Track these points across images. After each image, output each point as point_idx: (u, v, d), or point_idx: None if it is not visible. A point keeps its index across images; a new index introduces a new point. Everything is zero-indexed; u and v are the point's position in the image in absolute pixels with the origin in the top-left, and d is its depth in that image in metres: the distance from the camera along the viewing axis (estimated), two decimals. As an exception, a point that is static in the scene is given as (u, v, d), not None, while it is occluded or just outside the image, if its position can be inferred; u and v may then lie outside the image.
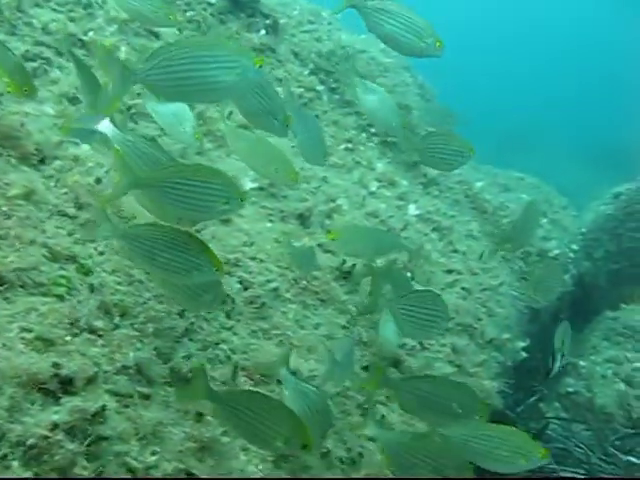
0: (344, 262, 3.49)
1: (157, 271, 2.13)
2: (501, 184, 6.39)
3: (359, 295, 3.51)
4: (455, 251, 4.32)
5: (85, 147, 2.71)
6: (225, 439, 2.32)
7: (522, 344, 4.67)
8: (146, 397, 2.17)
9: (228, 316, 2.80)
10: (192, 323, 2.56)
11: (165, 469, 2.00)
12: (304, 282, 3.29)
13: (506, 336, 4.30)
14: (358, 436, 2.87)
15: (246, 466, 2.38)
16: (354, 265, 3.53)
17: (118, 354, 2.15)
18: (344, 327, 3.28)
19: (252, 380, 2.69)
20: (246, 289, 2.96)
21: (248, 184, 3.56)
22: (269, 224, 3.39)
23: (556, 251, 5.79)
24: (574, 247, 6.54)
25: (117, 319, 2.27)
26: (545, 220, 6.04)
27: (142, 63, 2.03)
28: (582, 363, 5.93)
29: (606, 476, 4.53)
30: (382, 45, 6.07)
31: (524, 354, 4.67)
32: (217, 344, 2.65)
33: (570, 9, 22.82)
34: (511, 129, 11.74)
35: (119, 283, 2.38)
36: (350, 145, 4.84)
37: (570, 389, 5.70)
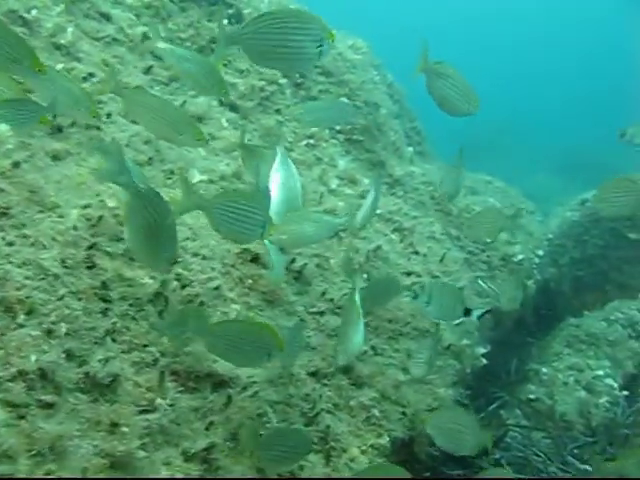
0: (294, 261, 3.21)
1: None
2: (468, 187, 6.15)
3: (309, 296, 3.23)
4: (415, 253, 4.05)
5: (3, 127, 2.40)
6: (142, 453, 2.03)
7: (482, 350, 4.43)
8: (49, 406, 1.88)
9: (160, 316, 2.50)
10: (115, 323, 2.26)
11: (61, 490, 1.70)
12: (250, 281, 3.01)
13: (465, 342, 4.05)
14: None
15: (168, 482, 2.10)
16: (305, 264, 3.25)
17: (16, 358, 1.85)
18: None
19: (183, 387, 2.40)
20: (184, 287, 2.67)
21: (197, 176, 3.27)
22: (215, 218, 3.09)
23: (520, 256, 5.56)
24: (539, 252, 6.33)
25: (21, 318, 1.97)
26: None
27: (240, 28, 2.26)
28: (544, 370, 5.72)
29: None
30: (350, 42, 5.85)
31: (484, 361, 4.44)
32: (145, 346, 2.36)
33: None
34: (479, 134, 11.55)
35: (28, 277, 2.08)
36: (312, 141, 4.55)
37: (532, 396, 5.49)
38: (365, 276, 3.57)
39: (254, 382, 2.61)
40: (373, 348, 3.24)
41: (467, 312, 2.97)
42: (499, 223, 3.73)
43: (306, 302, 3.19)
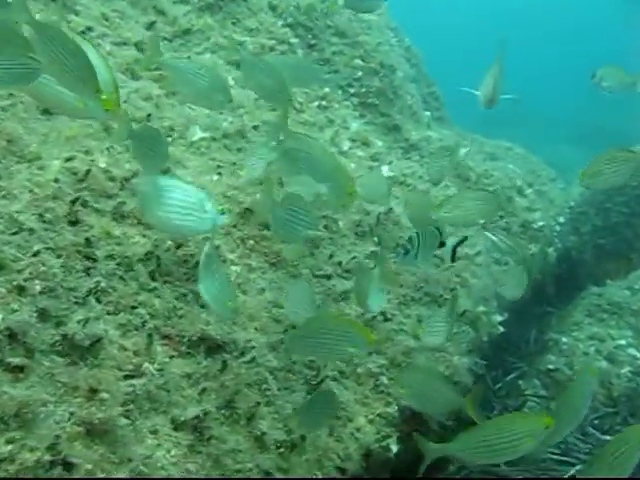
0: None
1: None
2: (487, 152, 5.86)
3: (315, 259, 3.01)
4: (430, 217, 3.80)
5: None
6: (124, 420, 1.84)
7: (499, 318, 4.18)
8: (18, 370, 1.69)
9: (152, 276, 2.30)
10: (98, 282, 2.06)
11: (25, 459, 1.51)
12: (251, 242, 2.79)
13: (481, 309, 3.80)
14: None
15: (154, 451, 1.91)
16: (311, 226, 3.03)
17: (-22, 316, 1.65)
18: (295, 293, 2.78)
19: (175, 351, 2.20)
20: (179, 247, 2.46)
21: (198, 133, 3.05)
22: (216, 177, 2.88)
23: (540, 223, 5.28)
24: (561, 220, 6.03)
25: (-11, 274, 1.78)
26: (530, 190, 5.52)
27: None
28: (564, 339, 5.46)
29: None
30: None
31: (501, 329, 4.19)
32: (133, 308, 2.17)
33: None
34: (500, 105, 11.15)
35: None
36: (324, 103, 4.30)
37: (551, 366, 5.24)
38: (375, 239, 3.34)
39: (252, 347, 2.40)
40: (382, 314, 3.01)
41: (442, 244, 2.72)
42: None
43: (312, 265, 2.97)
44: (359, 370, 2.76)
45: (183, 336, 2.24)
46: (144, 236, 2.38)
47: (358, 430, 2.60)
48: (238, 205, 2.85)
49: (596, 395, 5.00)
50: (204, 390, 2.16)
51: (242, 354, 2.35)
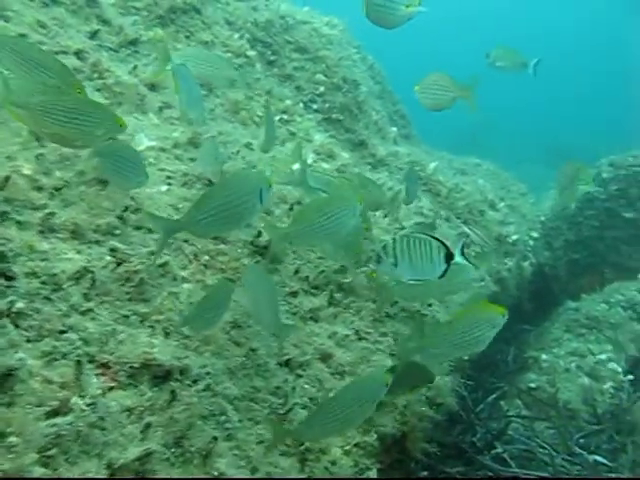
0: (259, 235, 2.63)
1: None
2: (457, 168, 5.60)
3: (279, 275, 2.66)
4: (402, 228, 3.48)
5: None
6: (40, 470, 1.45)
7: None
8: None
9: (86, 297, 1.92)
10: (12, 302, 1.68)
11: None
12: (206, 257, 2.43)
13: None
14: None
15: None
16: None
17: None
18: (256, 313, 2.42)
19: (114, 381, 1.82)
20: (120, 263, 2.09)
21: (144, 142, 2.70)
22: (164, 188, 2.52)
23: (514, 237, 5.00)
24: (534, 235, 5.77)
25: None
26: (502, 205, 5.25)
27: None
28: (544, 357, 5.15)
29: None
30: (326, 19, 5.30)
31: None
32: (62, 332, 1.78)
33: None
34: (469, 126, 11.03)
35: None
36: (285, 116, 4.00)
37: (532, 384, 4.93)
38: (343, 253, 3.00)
39: (208, 373, 2.03)
40: (356, 332, 2.66)
41: (449, 257, 2.27)
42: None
43: (276, 281, 2.62)
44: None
45: (123, 364, 1.86)
46: (78, 252, 2.02)
47: (333, 464, 2.23)
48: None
49: (580, 413, 4.70)
50: (148, 426, 1.78)
51: (195, 382, 1.97)
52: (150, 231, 2.29)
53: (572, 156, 10.37)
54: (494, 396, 4.56)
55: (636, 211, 6.17)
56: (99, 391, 1.71)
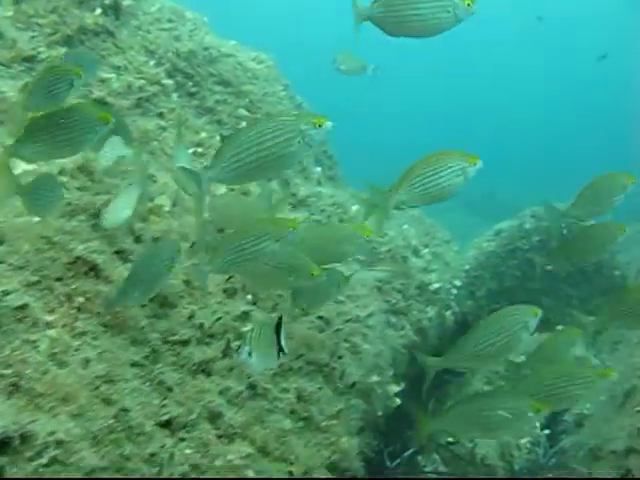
0: (147, 274, 2.29)
1: None
2: (381, 213, 5.38)
3: (169, 320, 2.31)
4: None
5: None
6: None
7: (396, 388, 3.58)
8: None
9: None
10: None
11: None
12: (80, 300, 2.07)
13: (375, 379, 3.19)
14: None
15: None
16: (165, 280, 2.34)
17: None
18: (136, 365, 2.07)
19: None
20: (-37, 304, 1.71)
21: (21, 166, 2.34)
22: (37, 218, 2.17)
23: (437, 285, 4.79)
24: (457, 283, 5.58)
25: None
26: (426, 251, 5.05)
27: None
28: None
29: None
30: (254, 54, 5.07)
31: (398, 400, 3.59)
32: None
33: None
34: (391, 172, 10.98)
35: None
36: (200, 149, 3.70)
37: (450, 439, 4.67)
38: (249, 297, 2.69)
39: (59, 441, 1.66)
40: (252, 387, 2.33)
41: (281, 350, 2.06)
42: None
43: (165, 328, 2.27)
44: (217, 462, 2.04)
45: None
46: None
47: None
48: (66, 254, 2.14)
49: (497, 469, 4.49)
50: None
51: (39, 454, 1.59)
52: (12, 266, 1.93)
53: (496, 205, 10.44)
54: (411, 451, 4.28)
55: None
56: None
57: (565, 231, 4.71)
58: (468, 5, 2.14)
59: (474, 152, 2.41)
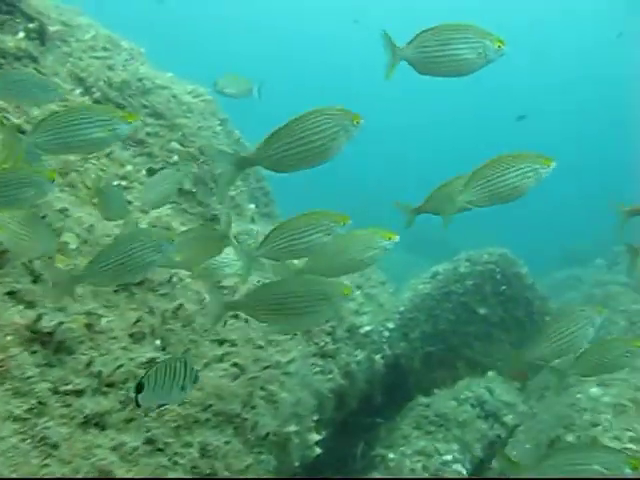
0: (40, 318, 2.11)
1: None
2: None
3: (63, 368, 2.13)
4: (235, 317, 3.05)
5: None
6: None
7: (316, 437, 3.43)
8: None
9: None
10: None
11: None
12: (-41, 345, 1.88)
13: (292, 429, 3.03)
14: None
15: None
16: (60, 323, 2.16)
17: None
18: (17, 419, 1.88)
19: None
20: None
21: None
22: None
23: (367, 328, 4.69)
24: (390, 325, 5.50)
25: None
26: (358, 293, 4.96)
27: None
28: (391, 455, 4.79)
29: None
30: (190, 87, 4.95)
31: (318, 450, 3.44)
32: None
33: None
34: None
35: None
36: (124, 183, 3.54)
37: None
38: (158, 342, 2.52)
39: None
40: (151, 442, 2.15)
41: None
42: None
43: (58, 377, 2.09)
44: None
45: None
46: None
47: None
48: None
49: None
50: None
51: None
52: None
53: (432, 247, 10.45)
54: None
55: (489, 308, 6.10)
56: None
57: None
58: (499, 47, 2.20)
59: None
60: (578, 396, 4.35)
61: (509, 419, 5.19)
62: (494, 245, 6.38)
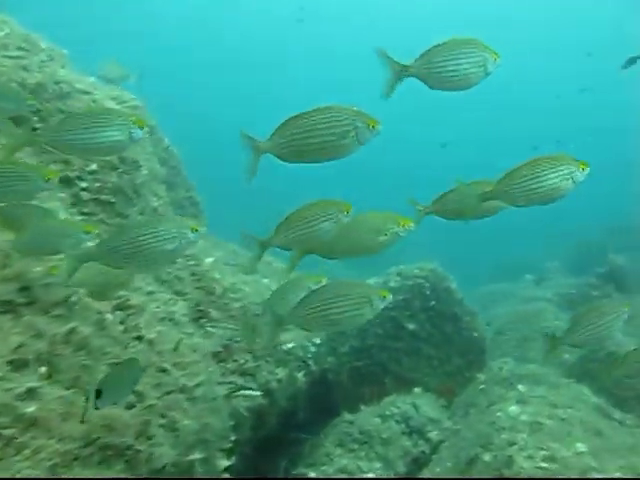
0: None
1: None
2: (243, 265, 5.11)
3: None
4: (138, 338, 2.86)
5: None
6: None
7: (226, 463, 3.26)
8: None
9: None
10: None
11: None
12: None
13: (196, 456, 2.86)
14: None
15: None
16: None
17: None
18: None
19: None
20: None
21: None
22: None
23: (290, 345, 4.55)
24: (317, 341, 5.37)
25: None
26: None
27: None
28: (312, 475, 4.66)
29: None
30: (115, 93, 4.72)
31: (227, 475, 3.27)
32: None
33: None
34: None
35: None
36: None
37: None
38: (43, 370, 2.32)
39: None
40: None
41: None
42: None
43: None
44: None
45: None
46: None
47: None
48: None
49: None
50: None
51: None
52: None
53: (366, 265, 10.41)
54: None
55: (418, 323, 6.04)
56: None
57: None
58: (495, 59, 2.29)
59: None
60: (498, 414, 4.31)
61: (434, 435, 5.11)
62: (428, 259, 6.33)
